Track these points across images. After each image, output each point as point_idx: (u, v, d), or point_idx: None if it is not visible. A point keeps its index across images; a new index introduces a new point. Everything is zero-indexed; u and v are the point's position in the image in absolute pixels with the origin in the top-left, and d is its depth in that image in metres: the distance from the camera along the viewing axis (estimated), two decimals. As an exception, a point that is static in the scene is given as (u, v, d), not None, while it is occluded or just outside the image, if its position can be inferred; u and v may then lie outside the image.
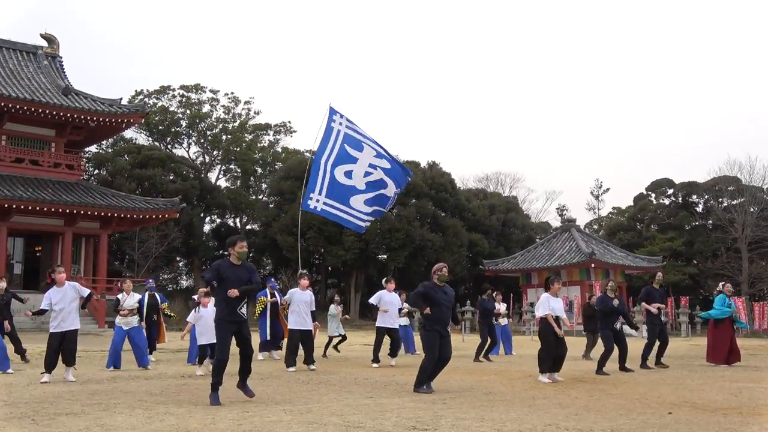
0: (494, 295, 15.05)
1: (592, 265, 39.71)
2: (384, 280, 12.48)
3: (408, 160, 51.22)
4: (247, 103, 54.85)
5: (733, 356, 12.83)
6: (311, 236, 41.66)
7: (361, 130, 12.55)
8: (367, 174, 12.42)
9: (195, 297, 11.10)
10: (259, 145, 54.55)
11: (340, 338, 15.17)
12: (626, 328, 12.01)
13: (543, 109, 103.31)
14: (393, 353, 12.29)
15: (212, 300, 9.44)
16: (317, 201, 12.07)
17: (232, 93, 54.82)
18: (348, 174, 12.27)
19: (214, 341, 7.81)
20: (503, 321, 16.09)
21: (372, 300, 12.30)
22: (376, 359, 12.13)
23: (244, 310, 6.99)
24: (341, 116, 12.49)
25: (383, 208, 12.76)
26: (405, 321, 15.07)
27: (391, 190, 12.65)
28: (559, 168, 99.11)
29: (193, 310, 10.42)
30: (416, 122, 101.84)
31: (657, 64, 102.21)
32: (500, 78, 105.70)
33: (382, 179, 12.59)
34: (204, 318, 9.99)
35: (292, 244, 41.80)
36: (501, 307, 16.10)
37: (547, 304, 9.58)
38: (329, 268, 48.31)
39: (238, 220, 53.11)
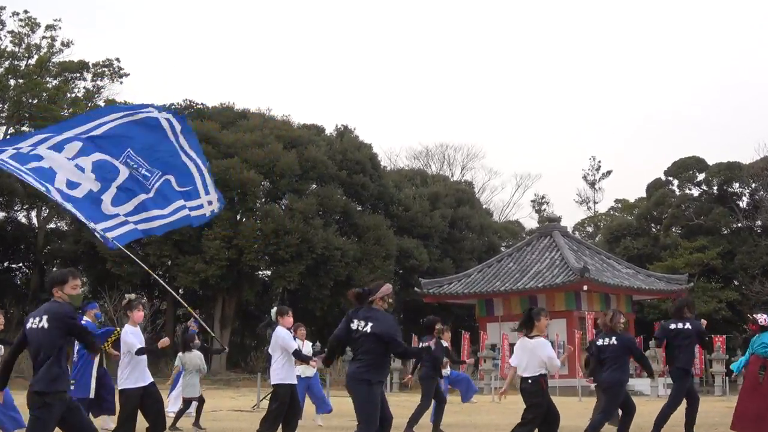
0: (443, 332, 15.89)
1: (585, 288, 40.46)
2: (275, 311, 13.33)
3: (304, 124, 50.40)
4: (50, 28, 53.29)
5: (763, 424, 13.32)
6: (151, 241, 42.36)
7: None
8: (79, 168, 12.55)
9: None
10: (69, 95, 53.68)
11: (194, 403, 16.41)
12: (635, 382, 12.03)
13: (512, 58, 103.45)
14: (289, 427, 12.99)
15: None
16: (103, 233, 12.63)
17: (26, 12, 51.39)
18: (71, 183, 12.50)
19: None
20: (444, 370, 16.80)
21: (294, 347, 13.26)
22: None
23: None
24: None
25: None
26: (310, 371, 16.55)
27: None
28: (536, 141, 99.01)
29: None
30: (319, 70, 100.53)
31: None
32: (447, 18, 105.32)
33: (104, 161, 12.70)
34: None
35: (121, 252, 41.00)
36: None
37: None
38: (180, 290, 48.74)
39: (34, 214, 53.38)
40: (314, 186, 47.69)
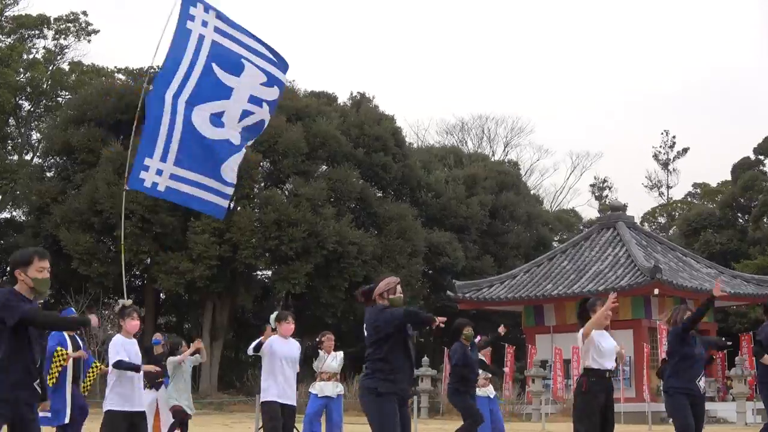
0: (477, 339, 16.17)
1: (656, 291, 40.30)
2: (274, 316, 13.70)
3: (312, 91, 50.72)
4: (0, -26, 55.59)
5: None
6: (127, 233, 42.65)
7: (239, 32, 13.51)
8: (245, 115, 13.25)
9: None
10: (26, 56, 54.33)
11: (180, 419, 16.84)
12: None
13: (564, 9, 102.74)
14: None
15: None
16: (158, 173, 12.74)
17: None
18: (217, 118, 13.09)
19: None
20: (487, 389, 17.30)
21: (251, 350, 13.58)
22: None
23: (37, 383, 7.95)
24: (207, 7, 13.24)
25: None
26: (336, 389, 16.76)
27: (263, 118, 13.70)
28: (595, 112, 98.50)
29: None
30: (330, 25, 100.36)
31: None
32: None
33: (263, 120, 13.48)
34: None
35: (90, 248, 43.34)
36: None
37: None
38: (162, 295, 50.17)
39: (-17, 202, 55.09)
40: (324, 167, 47.87)
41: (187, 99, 12.98)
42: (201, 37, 13.08)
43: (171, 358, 16.81)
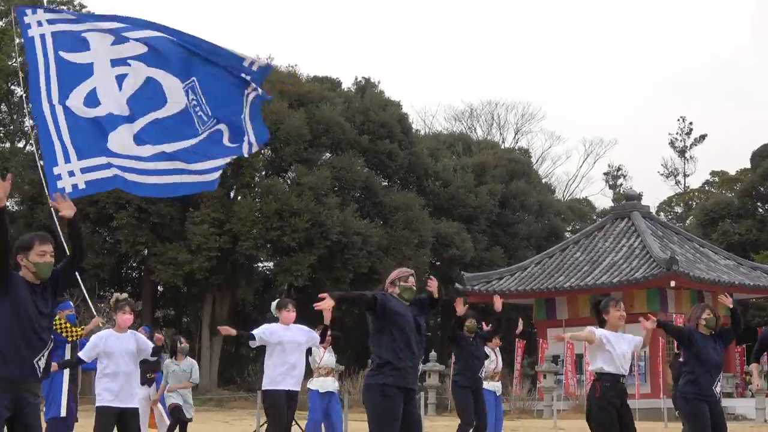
0: (483, 328, 16.33)
1: (672, 284, 40.59)
2: (275, 304, 13.85)
3: (315, 76, 50.36)
4: None
5: None
6: (123, 223, 43.18)
7: (72, 15, 14.30)
8: (120, 80, 13.34)
9: None
10: (17, 41, 52.38)
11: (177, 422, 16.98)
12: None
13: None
14: None
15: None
16: (71, 175, 12.99)
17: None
18: (91, 98, 13.24)
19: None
20: (496, 384, 17.29)
21: (256, 338, 13.41)
22: None
23: (41, 362, 7.84)
24: (33, 9, 13.56)
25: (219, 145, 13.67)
26: (334, 384, 16.88)
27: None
28: (609, 98, 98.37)
29: None
30: (334, 8, 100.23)
31: None
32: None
33: (156, 82, 13.34)
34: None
35: (86, 238, 41.62)
36: (495, 358, 17.32)
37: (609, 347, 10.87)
38: (159, 288, 50.07)
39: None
40: (328, 155, 47.94)
41: (58, 98, 13.12)
42: (42, 37, 13.22)
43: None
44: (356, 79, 54.90)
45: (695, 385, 11.77)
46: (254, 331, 13.44)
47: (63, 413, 14.44)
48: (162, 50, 13.51)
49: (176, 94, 13.38)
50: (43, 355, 7.89)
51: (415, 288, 9.67)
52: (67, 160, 12.95)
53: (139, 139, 13.29)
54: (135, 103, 13.26)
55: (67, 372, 14.42)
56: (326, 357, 16.29)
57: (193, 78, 13.44)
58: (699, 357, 11.72)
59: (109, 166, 13.18)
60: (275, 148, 45.68)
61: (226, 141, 13.65)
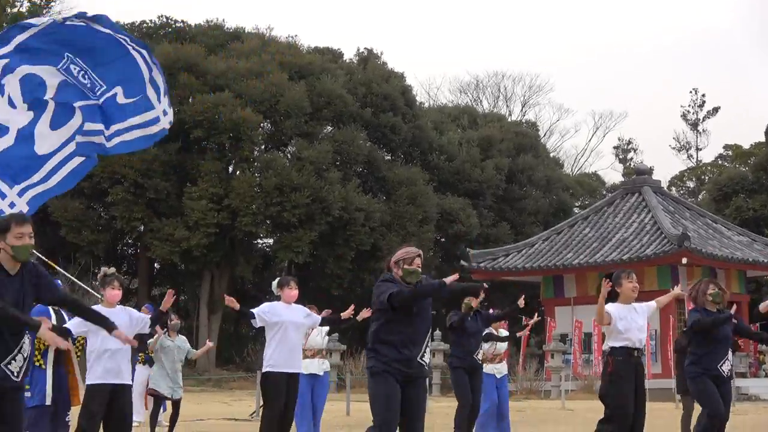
0: (491, 312, 16.30)
1: (684, 260, 40.76)
2: (276, 282, 13.81)
3: (315, 47, 50.23)
4: None
5: None
6: (118, 198, 43.75)
7: None
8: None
9: None
10: (9, 10, 54.48)
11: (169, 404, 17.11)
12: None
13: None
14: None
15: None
16: (11, 207, 12.72)
17: None
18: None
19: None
20: (497, 366, 17.07)
21: (256, 317, 13.29)
22: None
23: (25, 348, 8.03)
24: None
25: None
26: (322, 366, 16.66)
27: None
28: (619, 69, 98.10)
29: None
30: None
31: None
32: None
33: (32, 75, 12.88)
34: None
35: (80, 215, 44.53)
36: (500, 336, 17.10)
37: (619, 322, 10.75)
38: (156, 265, 51.01)
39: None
40: (329, 128, 48.08)
41: None
42: None
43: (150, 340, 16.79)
44: (358, 50, 55.23)
45: (699, 365, 11.84)
46: (254, 310, 13.36)
47: (48, 401, 14.19)
48: (30, 47, 12.96)
49: (57, 76, 13.01)
50: (14, 358, 7.89)
51: (420, 270, 9.21)
52: (2, 196, 12.74)
53: (55, 123, 13.03)
54: (29, 96, 12.82)
55: (51, 356, 14.16)
56: (312, 337, 16.05)
57: (66, 53, 13.02)
58: (705, 334, 11.72)
59: (47, 178, 13.03)
60: (275, 121, 45.71)
61: (122, 99, 13.30)
